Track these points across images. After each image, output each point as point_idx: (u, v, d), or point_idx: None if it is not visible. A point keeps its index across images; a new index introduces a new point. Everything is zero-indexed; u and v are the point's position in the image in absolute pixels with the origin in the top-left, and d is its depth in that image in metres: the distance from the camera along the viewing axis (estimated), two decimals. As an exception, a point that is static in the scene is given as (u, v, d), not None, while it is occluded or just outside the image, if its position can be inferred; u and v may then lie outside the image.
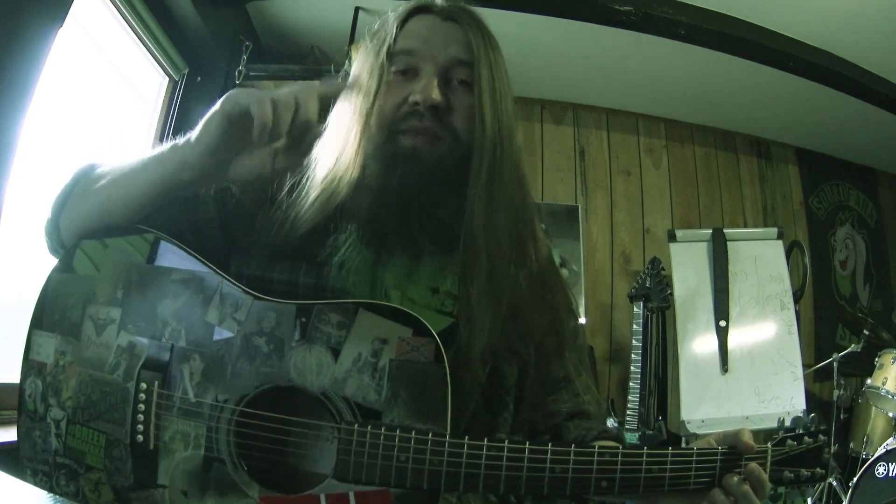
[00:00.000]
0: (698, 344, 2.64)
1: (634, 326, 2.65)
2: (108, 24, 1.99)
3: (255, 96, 0.65)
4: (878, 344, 2.61)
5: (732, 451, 0.72)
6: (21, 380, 0.76)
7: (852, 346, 2.59)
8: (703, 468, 0.71)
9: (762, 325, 2.64)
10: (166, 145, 0.73)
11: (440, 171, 0.79)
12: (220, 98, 0.70)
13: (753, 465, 0.71)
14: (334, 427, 0.68)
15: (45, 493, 0.53)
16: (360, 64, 0.85)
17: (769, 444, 0.75)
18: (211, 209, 0.83)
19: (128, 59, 2.14)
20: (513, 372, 0.84)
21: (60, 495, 0.72)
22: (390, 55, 0.81)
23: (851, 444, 2.55)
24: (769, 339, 2.60)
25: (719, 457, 0.72)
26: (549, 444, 0.69)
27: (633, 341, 2.63)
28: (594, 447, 0.70)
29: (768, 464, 0.73)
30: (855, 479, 2.05)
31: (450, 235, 0.81)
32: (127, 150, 2.18)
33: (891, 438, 2.14)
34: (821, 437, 0.77)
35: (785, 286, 2.66)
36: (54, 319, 0.76)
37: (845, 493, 2.14)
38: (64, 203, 0.79)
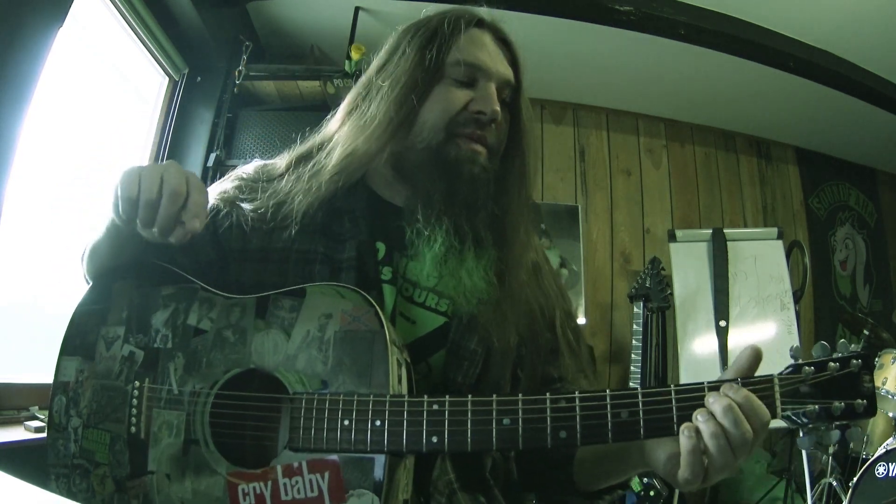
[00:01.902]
0: (698, 344, 2.64)
1: (634, 326, 2.65)
2: (108, 24, 1.99)
3: (130, 185, 0.69)
4: (878, 344, 2.61)
5: (723, 382, 0.62)
6: (50, 399, 0.84)
7: (852, 346, 2.59)
8: (687, 407, 0.61)
9: (762, 325, 2.64)
10: (101, 218, 0.81)
11: (493, 175, 0.85)
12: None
13: (734, 385, 0.60)
14: (285, 398, 0.73)
15: (45, 492, 0.53)
16: (398, 58, 0.87)
17: (775, 373, 0.63)
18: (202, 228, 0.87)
19: (128, 59, 2.14)
20: (505, 372, 0.85)
21: (76, 492, 0.78)
22: (451, 62, 0.84)
23: (851, 444, 2.54)
24: (769, 339, 2.60)
25: (707, 392, 0.62)
26: (494, 396, 0.66)
27: (633, 341, 2.63)
28: (546, 394, 0.65)
29: (777, 394, 0.61)
30: (855, 479, 2.05)
31: (497, 233, 0.86)
32: (125, 150, 2.18)
33: (891, 438, 2.14)
34: (854, 361, 0.61)
35: (785, 286, 2.66)
36: (76, 344, 0.85)
37: (845, 493, 2.14)
38: (83, 256, 0.90)
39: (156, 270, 0.85)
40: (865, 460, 2.12)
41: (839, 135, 3.55)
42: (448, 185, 0.82)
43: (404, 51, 0.86)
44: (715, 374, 2.59)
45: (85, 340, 0.84)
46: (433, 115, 0.83)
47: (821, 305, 3.54)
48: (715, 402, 0.60)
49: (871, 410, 0.60)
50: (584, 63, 3.08)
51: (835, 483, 2.31)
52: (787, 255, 2.77)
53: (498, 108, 0.83)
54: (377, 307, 0.73)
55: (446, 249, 0.81)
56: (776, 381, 0.63)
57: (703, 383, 0.63)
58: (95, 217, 0.90)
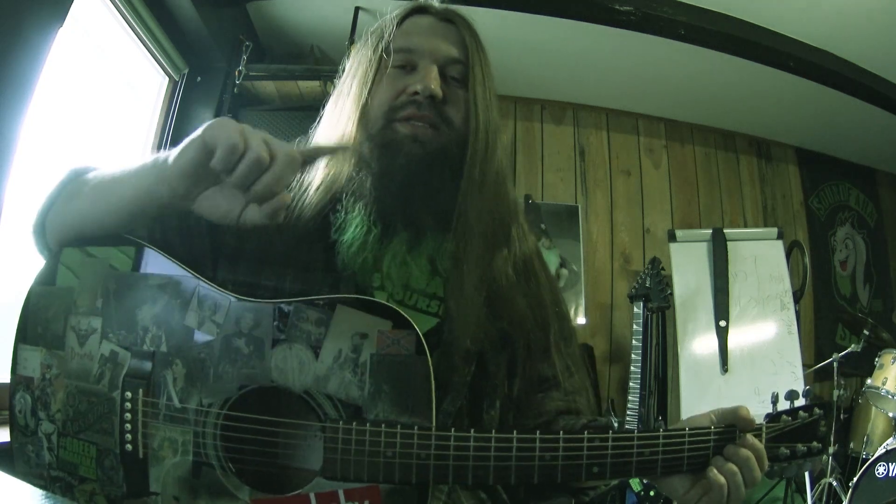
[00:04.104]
0: (698, 344, 2.64)
1: (634, 326, 2.65)
2: (108, 24, 1.99)
3: (233, 131, 0.61)
4: (878, 344, 2.60)
5: (726, 429, 0.71)
6: (10, 396, 0.75)
7: (852, 346, 2.59)
8: (696, 448, 0.70)
9: (762, 325, 2.64)
10: (149, 158, 0.71)
11: (439, 157, 0.82)
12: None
13: (749, 435, 0.71)
14: (319, 426, 0.68)
15: (45, 493, 0.52)
16: (358, 59, 0.90)
17: (764, 421, 0.75)
18: (202, 217, 0.82)
19: (128, 59, 2.14)
20: (500, 370, 0.84)
21: None
22: (389, 51, 0.85)
23: (851, 444, 2.55)
24: (769, 339, 2.60)
25: (713, 436, 0.71)
26: (538, 433, 0.68)
27: (633, 341, 2.63)
28: (584, 434, 0.69)
29: (763, 440, 0.73)
30: (855, 479, 2.05)
31: (447, 216, 0.84)
32: (125, 150, 2.18)
33: (891, 438, 2.14)
34: (816, 410, 0.75)
35: (785, 286, 2.66)
36: (38, 333, 0.75)
37: (845, 493, 2.14)
38: (52, 205, 0.79)
39: (137, 252, 0.74)
40: (865, 460, 2.12)
41: (839, 135, 3.55)
42: (385, 171, 0.81)
43: (361, 51, 0.89)
44: (715, 373, 2.59)
45: (49, 329, 0.74)
46: (375, 105, 0.84)
47: (821, 305, 3.54)
48: (736, 453, 0.70)
49: (823, 451, 0.75)
50: (584, 63, 3.08)
51: (835, 483, 2.31)
52: (787, 255, 2.78)
53: (433, 85, 0.81)
54: (418, 330, 0.69)
55: (364, 235, 0.81)
56: (764, 429, 0.74)
57: (709, 428, 0.73)
58: (72, 168, 0.79)
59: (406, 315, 0.69)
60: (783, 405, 0.78)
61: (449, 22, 0.88)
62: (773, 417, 0.75)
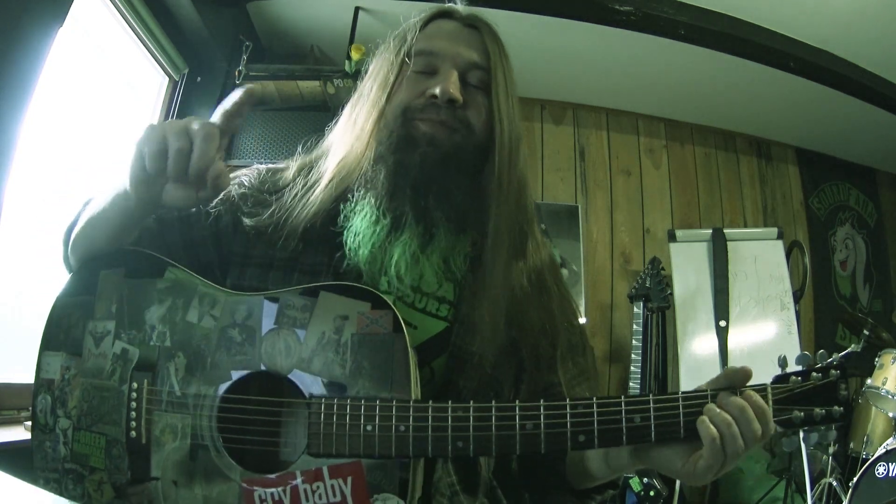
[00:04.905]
0: (698, 344, 2.64)
1: (634, 326, 2.65)
2: (108, 24, 1.99)
3: (154, 136, 0.67)
4: (878, 344, 2.60)
5: (725, 391, 0.67)
6: (33, 398, 0.80)
7: (852, 346, 2.58)
8: (692, 413, 0.66)
9: (762, 325, 2.64)
10: (117, 185, 0.77)
11: (456, 157, 0.83)
12: (217, 101, 0.71)
13: (749, 391, 0.66)
14: (302, 403, 0.71)
15: (44, 493, 0.53)
16: (379, 62, 0.90)
17: (768, 382, 0.69)
18: (205, 228, 0.87)
19: (128, 59, 2.14)
20: (508, 377, 0.84)
21: (69, 498, 0.75)
22: (410, 54, 0.86)
23: (851, 444, 2.54)
24: (769, 339, 2.60)
25: (710, 398, 0.67)
26: (517, 402, 0.67)
27: (633, 341, 2.63)
28: (566, 400, 0.68)
29: (769, 401, 0.67)
30: (855, 479, 2.05)
31: (460, 217, 0.84)
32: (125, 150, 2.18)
33: (891, 438, 2.14)
34: (833, 371, 0.68)
35: (785, 286, 2.66)
36: (60, 339, 0.81)
37: (845, 493, 2.14)
38: (70, 237, 0.85)
39: (147, 261, 0.81)
40: (865, 460, 2.12)
41: (839, 135, 3.55)
42: (400, 165, 0.82)
43: (383, 54, 0.90)
44: (715, 374, 2.57)
45: (70, 335, 0.80)
46: (394, 106, 0.84)
47: (821, 305, 3.54)
48: (730, 401, 0.66)
49: (847, 416, 0.67)
50: (584, 63, 3.08)
51: (835, 483, 2.31)
52: (787, 255, 2.78)
53: (453, 90, 0.81)
54: (395, 310, 0.72)
55: (371, 226, 0.81)
56: (769, 389, 0.68)
57: (706, 391, 0.68)
58: (89, 195, 0.86)
59: (382, 296, 0.72)
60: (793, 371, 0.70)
61: (472, 28, 0.89)
62: (780, 378, 0.69)
